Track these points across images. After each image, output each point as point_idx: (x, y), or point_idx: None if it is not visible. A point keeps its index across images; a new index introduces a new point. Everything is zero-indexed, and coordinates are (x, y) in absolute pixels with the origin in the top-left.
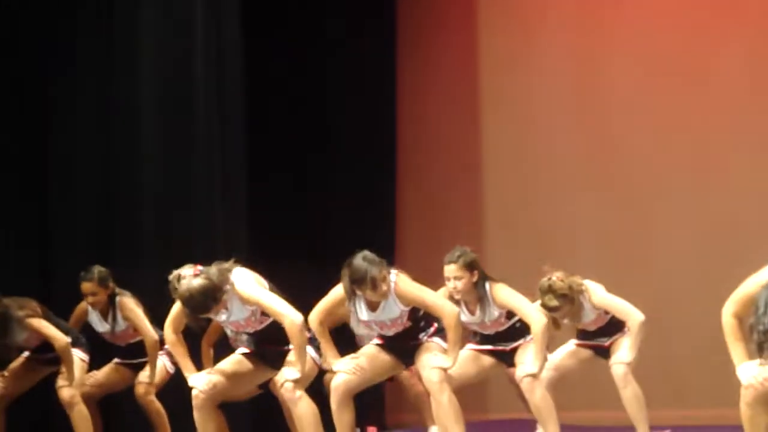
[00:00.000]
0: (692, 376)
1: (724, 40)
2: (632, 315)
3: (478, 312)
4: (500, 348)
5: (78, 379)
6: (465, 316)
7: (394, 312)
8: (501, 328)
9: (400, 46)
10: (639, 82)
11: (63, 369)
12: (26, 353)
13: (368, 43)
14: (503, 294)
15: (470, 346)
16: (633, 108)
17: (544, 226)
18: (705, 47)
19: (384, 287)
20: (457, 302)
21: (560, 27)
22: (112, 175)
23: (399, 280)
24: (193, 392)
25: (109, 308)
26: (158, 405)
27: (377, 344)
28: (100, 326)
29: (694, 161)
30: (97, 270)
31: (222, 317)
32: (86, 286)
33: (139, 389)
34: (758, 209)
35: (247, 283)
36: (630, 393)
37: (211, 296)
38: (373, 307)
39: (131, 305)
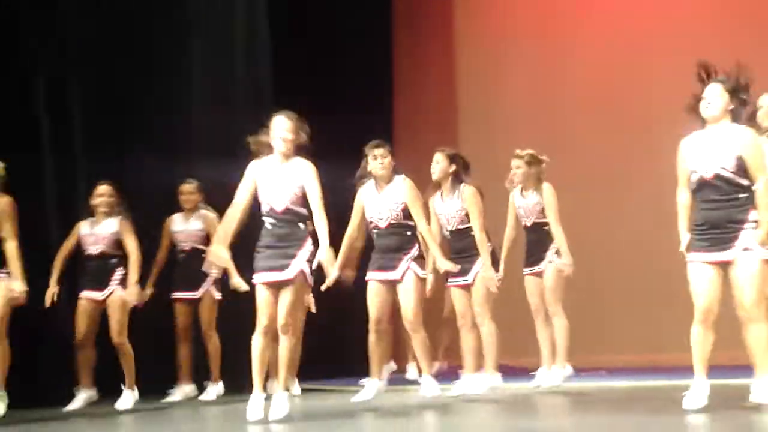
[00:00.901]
0: (624, 326)
1: (674, 48)
2: (557, 224)
3: (447, 200)
4: (463, 283)
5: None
6: (438, 203)
7: (393, 198)
8: (460, 226)
9: (396, 49)
10: (597, 87)
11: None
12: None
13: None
14: (471, 196)
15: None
16: (591, 110)
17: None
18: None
19: (388, 161)
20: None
21: (527, 37)
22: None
23: (407, 180)
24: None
25: (193, 212)
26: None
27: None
28: (180, 224)
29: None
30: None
31: (271, 176)
32: (187, 188)
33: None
34: None
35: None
36: (559, 323)
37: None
38: (379, 190)
39: (213, 214)
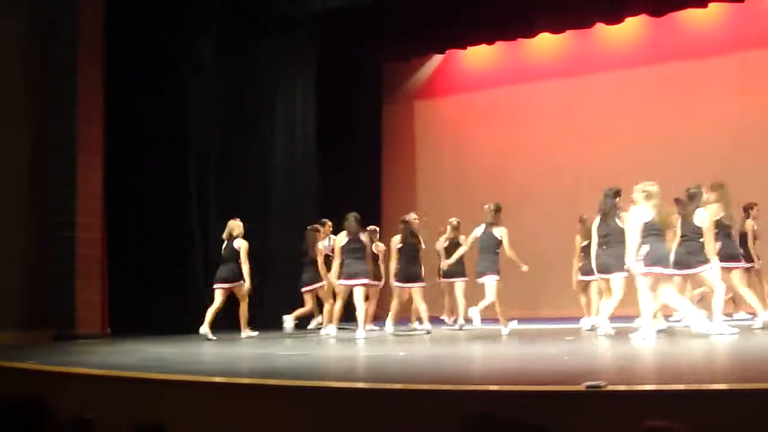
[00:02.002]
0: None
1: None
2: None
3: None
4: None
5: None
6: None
7: None
8: None
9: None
10: (498, 177)
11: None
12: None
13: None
14: None
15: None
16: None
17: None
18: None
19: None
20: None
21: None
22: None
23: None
24: None
25: (326, 237)
26: None
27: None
28: (323, 243)
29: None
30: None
31: None
32: (328, 226)
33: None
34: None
35: None
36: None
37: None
38: None
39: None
